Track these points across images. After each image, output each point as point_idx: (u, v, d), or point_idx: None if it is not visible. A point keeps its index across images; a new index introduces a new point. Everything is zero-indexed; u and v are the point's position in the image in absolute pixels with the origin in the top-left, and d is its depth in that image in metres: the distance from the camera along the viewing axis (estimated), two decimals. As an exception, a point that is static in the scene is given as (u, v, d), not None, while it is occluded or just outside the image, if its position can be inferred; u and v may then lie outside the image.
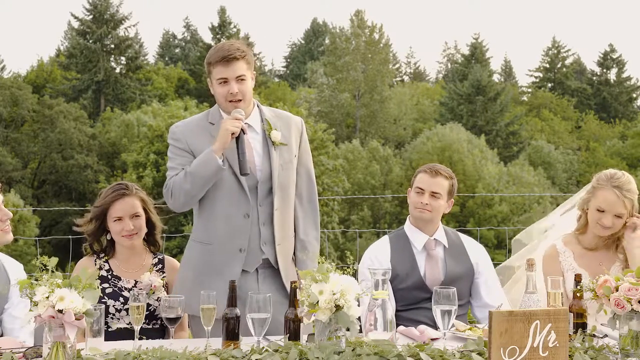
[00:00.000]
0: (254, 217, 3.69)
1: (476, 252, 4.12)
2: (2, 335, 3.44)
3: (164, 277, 3.83)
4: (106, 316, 3.64)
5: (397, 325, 3.29)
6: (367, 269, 3.82)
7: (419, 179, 4.04)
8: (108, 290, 3.78)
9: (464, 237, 4.17)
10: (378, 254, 4.03)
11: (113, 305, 3.73)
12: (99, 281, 3.76)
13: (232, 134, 3.56)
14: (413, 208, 4.03)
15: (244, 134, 3.63)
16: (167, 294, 3.79)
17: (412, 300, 3.91)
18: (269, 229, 3.72)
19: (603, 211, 3.90)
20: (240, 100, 3.68)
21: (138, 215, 3.83)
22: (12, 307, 3.51)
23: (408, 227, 4.10)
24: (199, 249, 3.74)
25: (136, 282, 3.81)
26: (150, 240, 3.93)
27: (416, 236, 4.04)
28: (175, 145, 3.73)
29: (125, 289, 3.78)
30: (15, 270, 3.60)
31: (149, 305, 3.72)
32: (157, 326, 3.77)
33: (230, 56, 3.62)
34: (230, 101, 3.67)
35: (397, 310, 3.86)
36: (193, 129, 3.75)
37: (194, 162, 3.61)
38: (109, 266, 3.85)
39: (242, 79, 3.67)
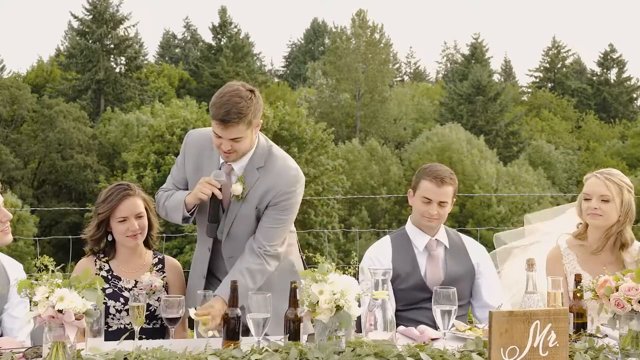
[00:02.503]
0: (218, 252, 3.80)
1: (477, 253, 4.12)
2: (1, 335, 3.44)
3: (164, 277, 3.83)
4: (106, 317, 3.64)
5: (397, 325, 3.29)
6: (367, 269, 3.83)
7: (425, 189, 3.97)
8: (108, 291, 3.76)
9: (465, 238, 4.17)
10: (379, 255, 4.02)
11: (113, 306, 3.72)
12: (102, 283, 3.77)
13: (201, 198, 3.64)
14: (420, 216, 4.00)
15: (219, 198, 3.62)
16: (167, 294, 3.79)
17: (412, 300, 3.91)
18: (230, 264, 3.77)
19: (590, 198, 3.93)
20: (232, 153, 3.60)
21: (142, 215, 3.82)
22: (12, 307, 3.51)
23: (410, 227, 4.09)
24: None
25: (136, 282, 3.80)
26: (146, 240, 3.93)
27: (418, 237, 4.04)
28: (181, 153, 3.89)
29: (126, 289, 3.77)
30: (15, 270, 3.60)
31: (149, 305, 3.72)
32: (157, 326, 3.77)
33: (227, 122, 3.47)
34: (219, 149, 3.60)
35: (397, 310, 3.86)
36: (199, 147, 3.80)
37: (171, 202, 3.77)
38: (109, 267, 3.84)
39: (237, 140, 3.54)
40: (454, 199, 4.07)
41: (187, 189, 3.80)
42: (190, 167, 3.79)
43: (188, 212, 3.69)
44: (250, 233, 3.71)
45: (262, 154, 3.69)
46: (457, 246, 4.09)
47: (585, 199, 3.95)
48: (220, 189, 3.60)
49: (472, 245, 4.15)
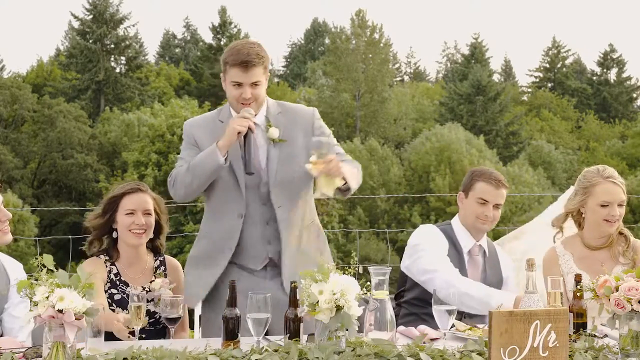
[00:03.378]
0: (253, 217, 3.69)
1: (507, 267, 4.18)
2: (1, 335, 3.44)
3: (172, 286, 3.75)
4: None
5: (398, 324, 3.28)
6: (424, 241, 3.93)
7: (482, 190, 4.00)
8: (117, 297, 3.71)
9: (498, 249, 4.23)
10: (437, 237, 4.02)
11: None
12: (107, 284, 3.73)
13: (239, 133, 3.57)
14: (474, 218, 4.01)
15: (252, 132, 3.63)
16: (168, 294, 3.76)
17: None
18: (271, 228, 3.71)
19: (607, 205, 3.88)
20: (252, 103, 3.70)
21: (149, 213, 3.79)
22: (12, 306, 3.50)
23: (457, 226, 4.09)
24: (198, 242, 3.86)
25: (143, 288, 3.71)
26: (155, 243, 3.90)
27: (465, 238, 4.07)
28: (185, 140, 3.81)
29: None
30: (15, 270, 3.60)
31: (154, 312, 3.68)
32: (159, 327, 3.73)
33: (248, 62, 3.61)
34: (242, 103, 3.69)
35: (427, 302, 3.86)
36: (202, 125, 3.81)
37: (198, 156, 3.64)
38: (117, 270, 3.78)
39: (257, 84, 3.68)
40: None
41: None
42: (208, 143, 3.71)
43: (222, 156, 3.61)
44: (300, 178, 3.70)
45: (274, 104, 3.85)
46: (493, 256, 4.14)
47: (603, 206, 3.89)
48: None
49: (504, 259, 4.21)
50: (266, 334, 3.02)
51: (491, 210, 3.99)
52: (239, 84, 3.65)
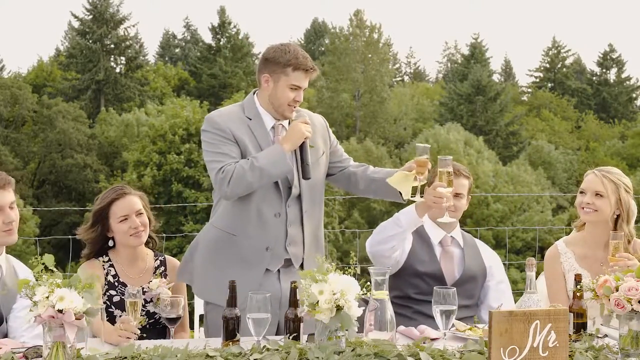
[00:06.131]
0: (282, 217, 3.71)
1: (490, 256, 4.18)
2: (6, 335, 3.44)
3: (170, 286, 3.72)
4: (112, 324, 3.49)
5: (398, 325, 3.29)
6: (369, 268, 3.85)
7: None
8: (115, 299, 3.70)
9: (478, 241, 4.22)
10: None
11: (120, 316, 3.63)
12: (105, 286, 3.73)
13: (306, 138, 3.65)
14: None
15: (309, 138, 3.70)
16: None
17: (426, 291, 3.87)
18: (296, 229, 3.73)
19: (585, 193, 3.96)
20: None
21: (141, 213, 3.79)
22: (19, 308, 3.49)
23: (426, 221, 4.07)
24: (219, 235, 3.71)
25: (143, 288, 3.67)
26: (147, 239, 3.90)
27: (434, 231, 4.07)
28: (219, 135, 3.65)
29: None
30: (25, 273, 3.59)
31: (154, 313, 3.68)
32: (159, 327, 3.72)
33: (313, 69, 3.73)
34: (289, 105, 3.73)
35: (410, 299, 3.89)
36: (234, 120, 3.73)
37: (264, 158, 3.57)
38: (115, 271, 3.78)
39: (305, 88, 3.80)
40: (469, 197, 4.13)
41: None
42: (247, 141, 3.69)
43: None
44: (322, 183, 3.86)
45: None
46: (470, 247, 4.13)
47: (581, 193, 3.99)
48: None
49: (485, 249, 4.21)
50: (277, 333, 3.03)
51: (452, 200, 3.93)
52: (298, 88, 3.71)
